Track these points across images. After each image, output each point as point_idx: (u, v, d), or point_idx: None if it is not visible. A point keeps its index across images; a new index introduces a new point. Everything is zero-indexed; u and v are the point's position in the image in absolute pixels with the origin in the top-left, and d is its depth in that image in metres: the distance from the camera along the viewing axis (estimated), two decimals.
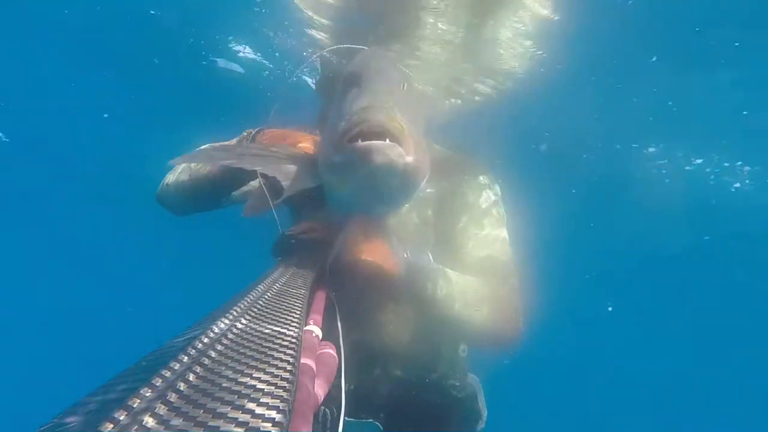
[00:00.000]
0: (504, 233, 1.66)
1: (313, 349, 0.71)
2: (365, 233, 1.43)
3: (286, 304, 0.73)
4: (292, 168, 1.30)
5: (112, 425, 0.32)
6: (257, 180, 1.72)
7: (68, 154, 7.16)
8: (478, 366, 1.93)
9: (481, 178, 1.72)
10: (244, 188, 1.84)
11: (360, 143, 1.04)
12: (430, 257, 1.39)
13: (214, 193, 1.75)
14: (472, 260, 1.58)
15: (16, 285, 10.40)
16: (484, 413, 1.82)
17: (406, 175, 1.11)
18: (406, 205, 1.67)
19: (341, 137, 1.08)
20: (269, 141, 1.51)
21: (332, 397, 1.36)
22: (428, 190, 1.70)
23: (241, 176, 1.64)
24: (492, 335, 1.51)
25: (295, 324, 0.62)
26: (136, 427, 0.32)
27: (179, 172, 1.74)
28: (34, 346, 11.46)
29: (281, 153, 1.30)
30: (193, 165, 1.70)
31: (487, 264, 1.58)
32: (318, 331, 0.80)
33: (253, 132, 1.55)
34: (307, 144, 1.49)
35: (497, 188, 1.72)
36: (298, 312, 0.69)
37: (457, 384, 1.76)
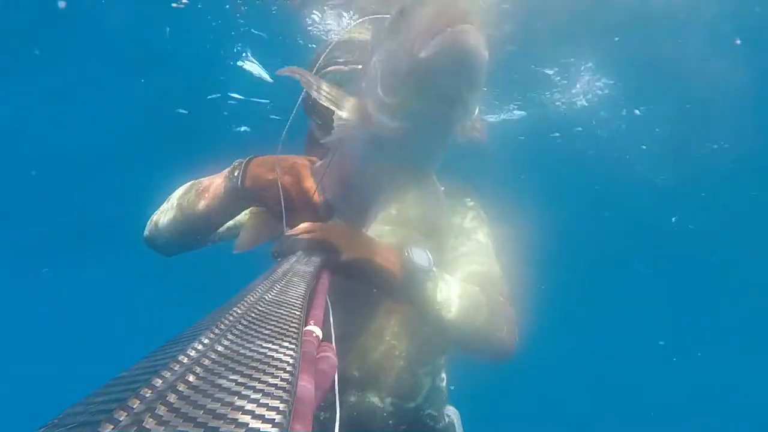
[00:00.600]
0: (491, 250, 1.72)
1: (313, 350, 0.72)
2: (365, 233, 1.43)
3: (286, 304, 0.73)
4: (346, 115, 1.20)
5: (112, 426, 0.32)
6: (245, 214, 1.70)
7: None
8: (459, 397, 1.96)
9: (466, 200, 1.81)
10: (230, 224, 1.79)
11: (451, 30, 0.92)
12: (431, 260, 1.39)
13: (205, 229, 1.71)
14: (463, 275, 1.61)
15: (15, 283, 10.40)
16: None
17: (482, 74, 1.01)
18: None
19: (423, 33, 0.97)
20: (261, 168, 1.47)
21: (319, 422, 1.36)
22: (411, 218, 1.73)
23: (229, 212, 1.62)
24: (488, 342, 1.53)
25: (295, 324, 0.62)
26: (136, 427, 0.32)
27: (166, 211, 1.70)
28: (33, 346, 11.47)
29: (332, 94, 1.21)
30: (182, 202, 1.66)
31: (478, 279, 1.62)
32: (318, 331, 0.80)
33: (244, 162, 1.52)
34: (302, 162, 1.46)
35: (482, 211, 1.81)
36: (298, 312, 0.69)
37: (435, 414, 1.78)
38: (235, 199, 1.53)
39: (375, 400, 1.65)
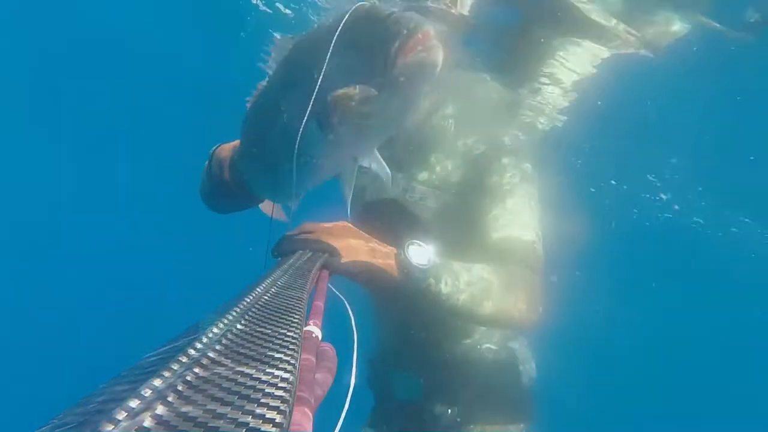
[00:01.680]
0: (528, 212, 1.63)
1: (313, 349, 0.72)
2: (363, 233, 1.43)
3: (286, 304, 0.73)
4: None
5: (112, 426, 0.32)
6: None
7: None
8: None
9: (504, 159, 1.68)
10: None
11: (425, 49, 1.05)
12: (432, 254, 1.37)
13: (224, 198, 1.76)
14: (491, 242, 1.58)
15: (16, 281, 10.38)
16: (531, 373, 1.90)
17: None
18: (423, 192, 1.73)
19: (396, 52, 1.06)
20: (220, 156, 1.60)
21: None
22: (452, 180, 1.74)
23: (222, 193, 1.68)
24: (504, 321, 1.52)
25: (295, 324, 0.62)
26: (136, 427, 0.32)
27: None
28: (33, 345, 11.45)
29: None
30: (203, 172, 1.73)
31: (506, 245, 1.56)
32: (318, 332, 0.80)
33: (211, 151, 1.65)
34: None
35: (526, 166, 1.70)
36: (299, 312, 0.69)
37: (494, 348, 1.84)
38: (214, 184, 1.63)
39: (434, 335, 1.76)
